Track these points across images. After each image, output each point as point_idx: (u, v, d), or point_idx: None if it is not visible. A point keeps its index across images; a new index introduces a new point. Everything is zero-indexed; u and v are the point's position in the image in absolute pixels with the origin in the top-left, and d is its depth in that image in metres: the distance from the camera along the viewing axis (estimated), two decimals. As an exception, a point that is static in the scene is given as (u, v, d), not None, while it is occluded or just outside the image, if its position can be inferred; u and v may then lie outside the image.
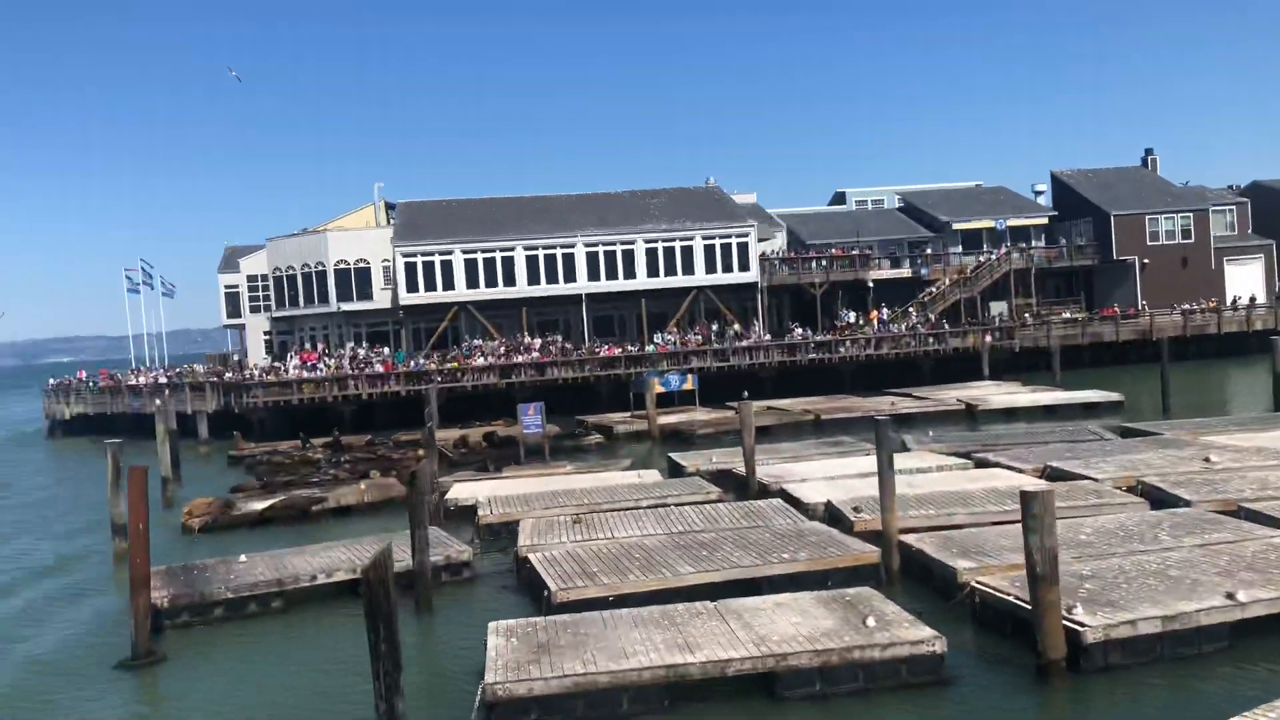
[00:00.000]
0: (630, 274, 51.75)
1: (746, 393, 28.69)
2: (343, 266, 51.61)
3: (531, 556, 17.07)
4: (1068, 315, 57.35)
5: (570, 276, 51.21)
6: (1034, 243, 61.87)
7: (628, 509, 20.99)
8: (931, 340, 50.63)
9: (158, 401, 35.23)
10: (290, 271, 52.86)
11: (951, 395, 40.09)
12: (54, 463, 45.06)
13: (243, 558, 18.73)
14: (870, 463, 24.15)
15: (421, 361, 46.85)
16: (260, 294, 57.18)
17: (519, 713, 11.41)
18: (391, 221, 54.95)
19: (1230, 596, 12.51)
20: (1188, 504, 17.94)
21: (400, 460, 31.02)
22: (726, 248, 52.52)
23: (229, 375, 48.15)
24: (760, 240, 54.41)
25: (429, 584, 16.74)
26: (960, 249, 60.87)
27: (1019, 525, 14.82)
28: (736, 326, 51.48)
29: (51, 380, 57.27)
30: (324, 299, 51.88)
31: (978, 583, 14.08)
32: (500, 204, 55.66)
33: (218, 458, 39.71)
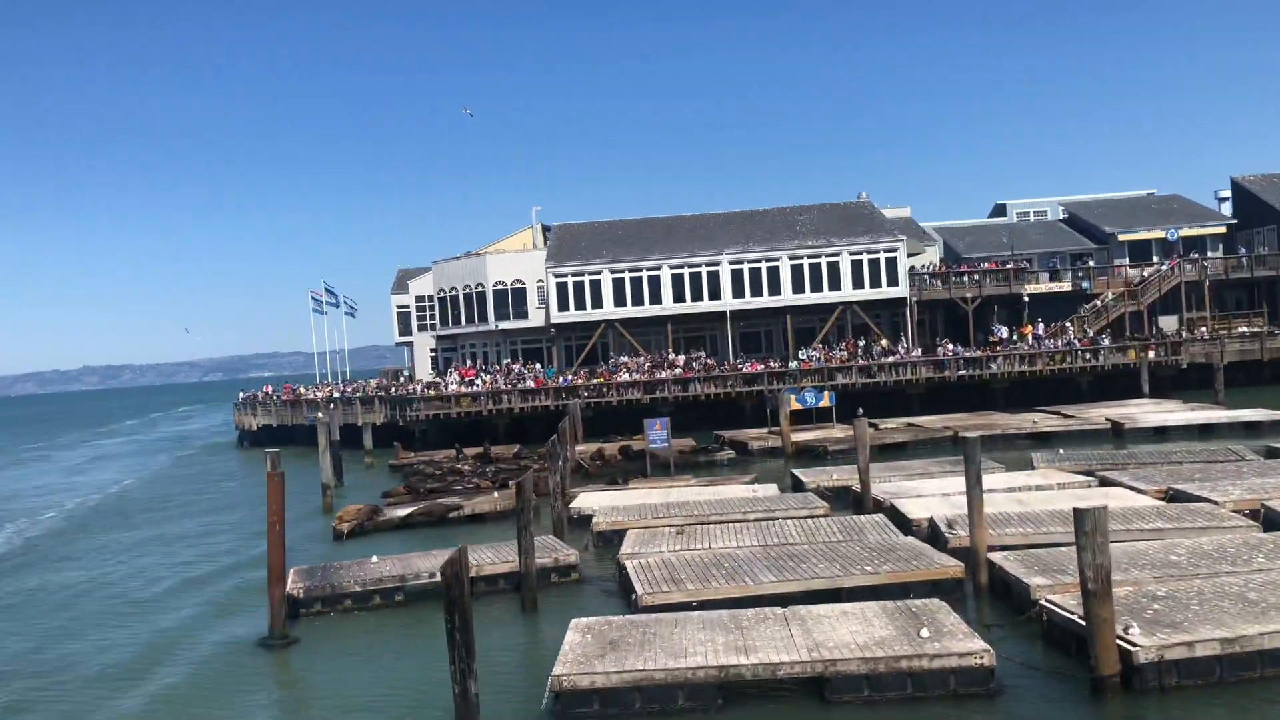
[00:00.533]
0: (775, 290, 52.30)
1: (861, 410, 28.87)
2: (500, 287, 54.26)
3: (628, 563, 18.12)
4: (1245, 330, 54.15)
5: (715, 294, 52.23)
6: (1210, 253, 58.76)
7: (733, 521, 21.78)
8: (1089, 356, 48.94)
9: (319, 415, 38.18)
10: (453, 292, 55.95)
11: (1101, 413, 38.79)
12: (240, 470, 49.19)
13: (374, 558, 20.55)
14: (991, 481, 24.20)
15: (569, 377, 48.78)
16: (427, 313, 60.62)
17: (582, 703, 12.46)
18: (546, 243, 57.32)
19: (1299, 621, 12.30)
20: (1302, 528, 17.33)
21: (539, 471, 32.65)
22: (874, 263, 52.35)
23: (394, 390, 51.35)
24: (911, 255, 53.94)
25: (533, 584, 18.04)
26: (1127, 261, 58.54)
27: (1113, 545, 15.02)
28: (884, 342, 51.18)
29: (241, 394, 62.37)
30: (483, 318, 54.68)
31: (1047, 600, 14.22)
32: (649, 224, 57.26)
33: (381, 466, 42.60)
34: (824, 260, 52.25)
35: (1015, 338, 51.29)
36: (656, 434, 30.10)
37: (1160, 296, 55.58)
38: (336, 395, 53.53)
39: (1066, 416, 39.24)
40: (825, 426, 40.35)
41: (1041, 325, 51.92)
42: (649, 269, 52.13)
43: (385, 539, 25.76)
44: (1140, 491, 22.06)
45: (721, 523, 21.61)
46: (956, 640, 12.75)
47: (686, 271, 52.20)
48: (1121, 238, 58.99)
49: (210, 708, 14.31)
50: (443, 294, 56.80)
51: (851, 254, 52.34)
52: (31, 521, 35.93)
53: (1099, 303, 55.03)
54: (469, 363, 55.77)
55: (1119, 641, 12.24)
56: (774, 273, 52.28)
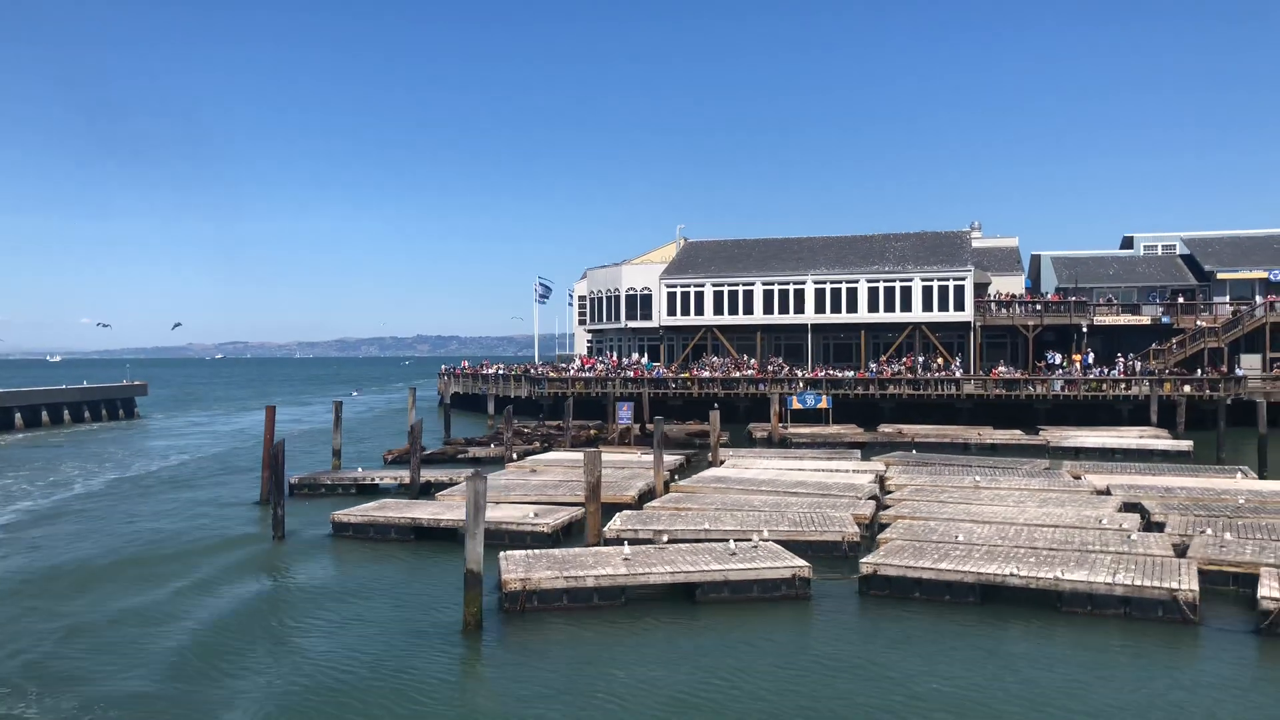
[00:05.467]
0: (853, 309, 60.36)
1: (691, 422, 37.97)
2: (631, 293, 65.95)
3: (459, 483, 29.34)
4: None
5: (800, 308, 61.06)
6: (1321, 295, 59.82)
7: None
8: (1124, 385, 53.42)
9: (409, 388, 51.41)
10: (598, 294, 68.31)
11: (1057, 434, 44.73)
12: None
13: (359, 469, 33.09)
14: (827, 465, 33.28)
15: (661, 371, 59.68)
16: (588, 310, 73.42)
17: (344, 530, 24.16)
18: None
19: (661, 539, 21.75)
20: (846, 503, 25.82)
21: (556, 438, 44.20)
22: (944, 289, 59.11)
23: (533, 372, 64.53)
24: (978, 283, 59.99)
25: (415, 486, 29.77)
26: (1227, 298, 60.92)
27: (749, 493, 24.76)
28: (939, 360, 57.95)
29: (443, 368, 78.03)
30: (618, 317, 66.61)
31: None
32: (761, 244, 66.79)
33: (496, 426, 55.66)
34: (898, 285, 59.66)
35: (1065, 364, 56.30)
36: (624, 414, 40.71)
37: (1243, 334, 57.98)
38: (500, 372, 67.48)
39: (1029, 434, 45.44)
40: (821, 424, 48.83)
41: (1091, 355, 56.54)
42: (744, 285, 61.87)
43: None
44: (863, 473, 30.44)
45: (568, 468, 32.30)
46: (531, 519, 23.17)
47: (776, 288, 61.42)
48: (1220, 276, 61.38)
49: (201, 535, 27.25)
50: (594, 295, 69.31)
51: (923, 280, 59.37)
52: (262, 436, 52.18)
53: (1178, 339, 58.36)
54: (611, 354, 67.94)
55: (605, 529, 22.29)
56: (852, 293, 60.35)
